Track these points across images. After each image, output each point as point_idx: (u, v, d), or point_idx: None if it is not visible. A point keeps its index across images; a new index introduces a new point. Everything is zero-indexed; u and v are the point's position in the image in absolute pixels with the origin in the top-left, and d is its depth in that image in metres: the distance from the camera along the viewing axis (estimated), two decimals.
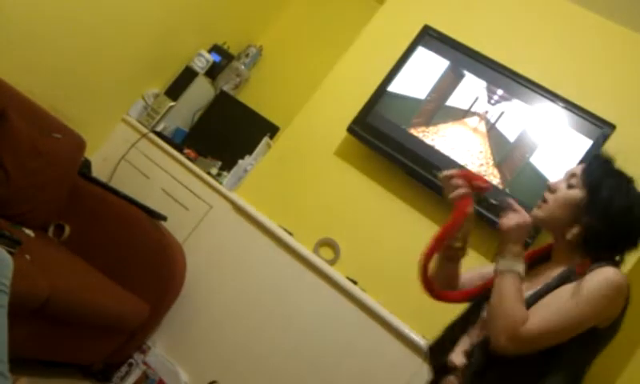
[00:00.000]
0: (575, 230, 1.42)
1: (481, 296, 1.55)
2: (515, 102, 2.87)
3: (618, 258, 1.44)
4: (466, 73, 2.98)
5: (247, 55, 3.71)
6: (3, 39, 2.51)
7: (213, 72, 3.54)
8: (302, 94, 3.35)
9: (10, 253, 1.70)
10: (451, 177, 1.52)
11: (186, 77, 3.41)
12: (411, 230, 2.88)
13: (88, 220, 2.77)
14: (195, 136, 3.42)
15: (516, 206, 1.49)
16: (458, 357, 1.49)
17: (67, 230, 2.73)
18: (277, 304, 2.80)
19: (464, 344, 1.51)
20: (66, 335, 2.26)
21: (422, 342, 2.56)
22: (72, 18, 2.74)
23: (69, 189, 2.73)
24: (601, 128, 2.69)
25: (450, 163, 2.80)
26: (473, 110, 2.93)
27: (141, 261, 2.69)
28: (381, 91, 3.04)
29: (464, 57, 3.01)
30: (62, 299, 2.03)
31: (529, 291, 1.43)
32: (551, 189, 1.50)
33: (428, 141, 2.91)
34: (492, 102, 2.91)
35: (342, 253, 2.89)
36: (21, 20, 2.54)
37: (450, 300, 1.62)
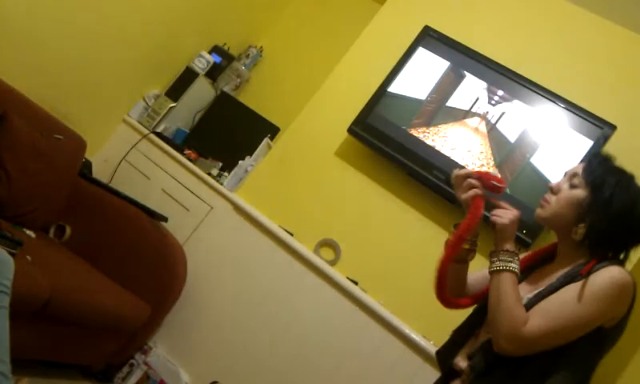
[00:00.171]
0: (580, 229, 1.41)
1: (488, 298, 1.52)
2: (516, 103, 2.87)
3: (622, 255, 1.43)
4: (467, 73, 2.98)
5: (248, 56, 3.71)
6: (4, 41, 2.52)
7: (213, 73, 3.54)
8: (302, 94, 3.36)
9: (11, 254, 1.70)
10: (466, 176, 1.49)
11: (187, 78, 3.41)
12: (412, 231, 2.89)
13: (89, 221, 2.77)
14: (196, 137, 3.43)
15: (502, 203, 1.49)
16: (462, 360, 1.48)
17: (68, 230, 2.73)
18: (277, 304, 2.80)
19: (469, 347, 1.50)
20: (68, 336, 2.26)
21: (423, 342, 2.56)
22: (72, 20, 2.75)
23: (69, 190, 2.73)
24: (601, 128, 2.69)
25: (451, 164, 2.80)
26: (473, 110, 2.93)
27: (142, 261, 2.69)
28: (381, 92, 3.04)
29: (464, 57, 3.01)
30: (63, 300, 2.03)
31: (533, 292, 1.42)
32: (553, 189, 1.49)
33: (428, 141, 2.91)
34: (492, 102, 2.92)
35: (343, 253, 2.89)
36: (21, 21, 2.54)
37: (461, 307, 1.60)
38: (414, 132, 2.94)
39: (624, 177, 1.44)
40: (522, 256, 1.54)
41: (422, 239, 2.83)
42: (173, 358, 2.79)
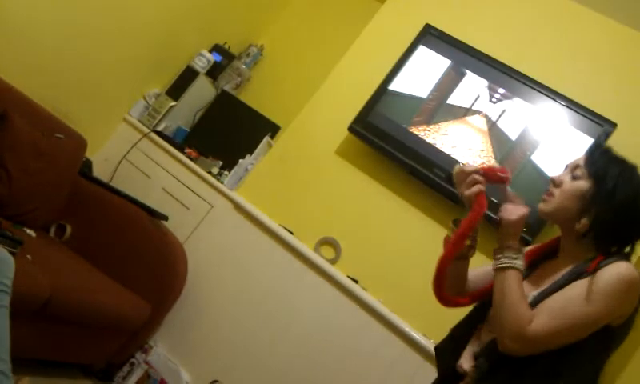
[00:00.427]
0: (585, 221, 1.37)
1: (489, 295, 1.48)
2: (516, 101, 2.87)
3: (628, 249, 1.40)
4: (467, 71, 2.98)
5: (248, 55, 3.71)
6: (4, 40, 2.52)
7: (214, 72, 3.54)
8: (302, 93, 3.35)
9: (12, 253, 1.71)
10: (469, 172, 1.45)
11: (187, 76, 3.41)
12: (412, 229, 2.88)
13: (89, 220, 2.77)
14: (196, 135, 3.43)
15: (511, 194, 1.45)
16: (466, 361, 1.44)
17: (68, 229, 2.74)
18: (278, 303, 2.80)
19: (472, 346, 1.47)
20: (68, 335, 2.27)
21: (423, 340, 2.56)
22: (73, 19, 2.75)
23: (70, 189, 2.74)
24: (602, 126, 2.69)
25: (452, 162, 2.80)
26: (474, 108, 2.92)
27: (142, 260, 2.69)
28: (382, 90, 3.04)
29: (465, 55, 3.00)
30: (63, 299, 2.04)
31: (537, 290, 1.39)
32: (555, 182, 1.46)
33: (429, 139, 2.91)
34: (493, 100, 2.91)
35: (343, 252, 2.89)
36: (22, 21, 2.54)
37: (460, 305, 1.56)
38: (414, 130, 2.94)
39: (626, 167, 1.41)
40: (524, 250, 1.50)
41: (423, 237, 2.83)
42: (173, 356, 2.79)
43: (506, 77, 2.91)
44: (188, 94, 3.39)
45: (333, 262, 2.86)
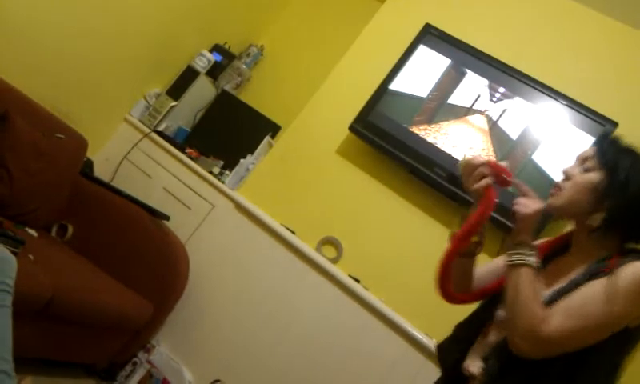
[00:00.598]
0: (599, 215, 1.31)
1: (495, 293, 1.44)
2: (517, 100, 2.87)
3: None
4: (468, 71, 2.98)
5: (248, 54, 3.71)
6: (5, 40, 2.52)
7: (214, 72, 3.54)
8: (303, 92, 3.36)
9: (14, 253, 1.71)
10: (477, 165, 1.39)
11: (188, 76, 3.41)
12: (413, 228, 2.89)
13: (91, 220, 2.77)
14: (197, 135, 3.43)
15: (525, 188, 1.39)
16: (472, 363, 1.38)
17: (70, 229, 2.74)
18: (279, 302, 2.80)
19: (478, 347, 1.41)
20: (70, 335, 2.27)
21: (425, 339, 2.57)
22: (74, 19, 2.75)
23: (71, 189, 2.74)
24: (603, 125, 2.69)
25: (452, 161, 2.81)
26: (475, 107, 2.93)
27: (144, 260, 2.69)
28: (382, 90, 3.04)
29: (465, 55, 3.01)
30: (65, 299, 2.04)
31: (551, 288, 1.32)
32: (566, 175, 1.39)
33: (430, 139, 2.91)
34: (494, 99, 2.91)
35: (345, 251, 2.89)
36: (22, 21, 2.55)
37: (465, 302, 1.51)
38: (415, 129, 2.94)
39: (638, 157, 1.35)
40: (535, 244, 1.43)
41: (424, 237, 2.84)
42: (176, 356, 2.79)
43: (507, 76, 2.92)
44: (188, 93, 3.39)
45: (334, 261, 2.86)
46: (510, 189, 1.42)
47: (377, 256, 2.87)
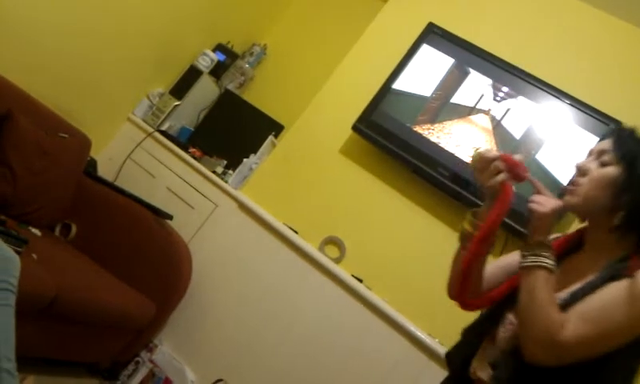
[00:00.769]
0: (619, 214, 1.24)
1: (508, 294, 1.35)
2: (521, 99, 2.86)
3: None
4: (471, 70, 2.97)
5: (251, 54, 3.71)
6: (9, 39, 2.52)
7: (217, 71, 3.54)
8: (306, 92, 3.35)
9: (17, 252, 1.71)
10: (492, 159, 1.30)
11: (191, 76, 3.42)
12: (416, 228, 2.88)
13: (94, 219, 2.78)
14: (200, 135, 3.43)
15: (540, 185, 1.31)
16: (480, 367, 1.31)
17: (74, 229, 2.74)
18: (282, 302, 2.80)
19: (487, 350, 1.34)
20: (73, 334, 2.27)
21: (428, 339, 2.56)
22: (77, 18, 2.75)
23: (75, 188, 2.74)
24: (606, 124, 2.68)
25: (456, 161, 2.80)
26: (478, 107, 2.92)
27: (147, 259, 2.69)
28: (385, 89, 3.03)
29: (469, 54, 3.00)
30: (68, 298, 2.04)
31: (564, 289, 1.25)
32: (581, 171, 1.31)
33: (433, 138, 2.90)
34: (497, 99, 2.91)
35: (348, 251, 2.89)
36: (26, 20, 2.55)
37: (478, 308, 1.42)
38: (418, 129, 2.94)
39: None
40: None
41: (427, 236, 2.83)
42: (178, 355, 2.80)
43: (510, 75, 2.91)
44: (192, 93, 3.39)
45: (337, 261, 2.86)
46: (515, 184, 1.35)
47: (380, 256, 2.86)
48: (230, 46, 3.67)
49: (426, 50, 3.06)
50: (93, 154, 2.94)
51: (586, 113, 2.75)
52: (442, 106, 2.96)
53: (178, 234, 2.85)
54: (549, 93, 2.83)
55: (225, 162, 3.19)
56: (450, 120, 2.93)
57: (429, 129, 2.93)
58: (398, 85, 3.03)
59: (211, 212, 3.02)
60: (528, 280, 1.22)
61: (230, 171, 3.15)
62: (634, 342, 1.14)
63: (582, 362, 1.14)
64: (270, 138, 3.30)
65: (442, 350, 2.46)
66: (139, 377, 2.71)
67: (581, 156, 1.37)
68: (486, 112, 2.90)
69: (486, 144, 2.82)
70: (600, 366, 1.16)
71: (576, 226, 1.46)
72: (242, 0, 3.65)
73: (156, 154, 3.18)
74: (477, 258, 1.32)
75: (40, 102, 2.63)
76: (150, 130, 3.23)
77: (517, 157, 1.32)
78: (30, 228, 2.40)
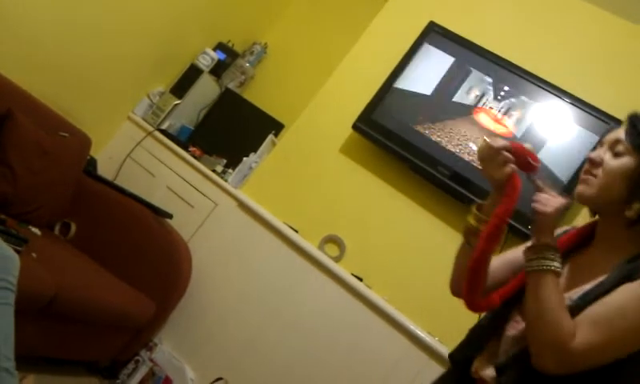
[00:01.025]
0: (636, 207, 1.16)
1: (516, 291, 1.28)
2: (521, 99, 2.86)
3: None
4: (472, 69, 2.97)
5: (252, 53, 3.71)
6: (8, 39, 2.52)
7: (218, 70, 3.54)
8: (306, 91, 3.35)
9: (17, 251, 1.71)
10: (500, 149, 1.23)
11: (191, 75, 3.41)
12: (417, 227, 2.88)
13: (94, 218, 2.78)
14: (200, 134, 3.43)
15: (542, 184, 1.23)
16: (486, 369, 1.25)
17: (73, 228, 2.74)
18: (282, 301, 2.80)
19: (491, 350, 1.28)
20: (73, 333, 2.27)
21: (428, 338, 2.56)
22: (76, 17, 2.75)
23: (75, 187, 2.74)
24: (607, 123, 2.67)
25: (456, 160, 2.80)
26: (479, 106, 2.92)
27: (147, 258, 2.69)
28: (386, 88, 3.03)
29: (470, 53, 3.00)
30: (68, 297, 2.04)
31: (573, 288, 1.19)
32: (594, 161, 1.23)
33: (434, 138, 2.90)
34: (498, 98, 2.90)
35: (348, 249, 2.89)
36: (26, 19, 2.55)
37: (487, 309, 1.33)
38: (419, 128, 2.93)
39: None
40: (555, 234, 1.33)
41: (427, 235, 2.83)
42: (178, 354, 2.80)
43: (511, 74, 2.90)
44: (192, 92, 3.39)
45: (337, 259, 2.86)
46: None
47: (380, 255, 2.86)
48: (230, 44, 3.66)
49: (426, 48, 3.06)
50: (92, 152, 2.94)
51: (586, 112, 2.74)
52: (442, 105, 2.95)
53: (178, 232, 2.85)
54: (549, 92, 2.83)
55: (225, 161, 3.19)
56: (451, 119, 2.93)
57: (429, 128, 2.93)
58: (398, 84, 3.02)
59: (211, 211, 3.02)
60: (535, 286, 1.16)
61: (230, 170, 3.14)
62: None
63: (593, 368, 1.09)
64: (270, 136, 3.30)
65: (442, 349, 2.46)
66: (139, 376, 2.71)
67: (578, 159, 1.31)
68: (487, 111, 2.89)
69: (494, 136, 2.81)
70: (612, 372, 1.10)
71: (583, 217, 1.40)
72: None
73: (156, 153, 3.18)
74: (485, 256, 1.24)
75: (40, 101, 2.63)
76: (150, 128, 3.23)
77: (527, 146, 1.25)
78: (30, 227, 2.39)
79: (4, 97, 2.39)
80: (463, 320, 1.48)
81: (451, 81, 2.98)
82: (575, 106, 2.77)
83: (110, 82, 3.13)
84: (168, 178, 3.13)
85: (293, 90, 3.65)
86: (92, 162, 3.03)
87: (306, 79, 3.59)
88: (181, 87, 3.38)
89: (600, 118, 2.71)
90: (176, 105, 3.33)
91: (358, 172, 3.03)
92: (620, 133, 1.24)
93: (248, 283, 2.87)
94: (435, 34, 3.07)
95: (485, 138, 1.27)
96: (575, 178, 2.09)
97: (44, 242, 2.37)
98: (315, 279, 2.79)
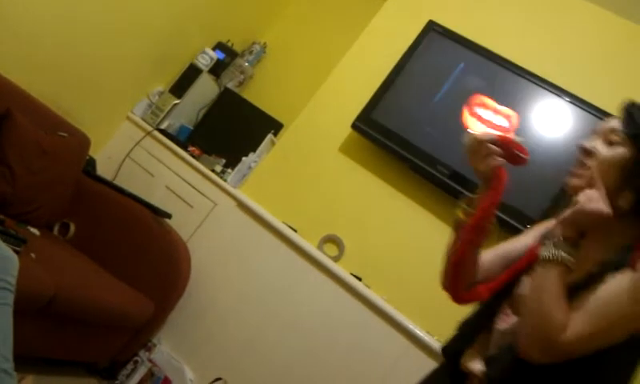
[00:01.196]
0: (628, 195, 1.14)
1: (507, 285, 1.28)
2: (521, 97, 2.86)
3: None
4: (472, 68, 2.97)
5: (251, 52, 3.70)
6: (8, 38, 2.52)
7: (217, 69, 3.54)
8: (305, 90, 3.35)
9: (16, 251, 1.70)
10: (488, 142, 1.22)
11: (191, 74, 3.41)
12: (416, 226, 2.88)
13: (93, 218, 2.78)
14: (199, 133, 3.43)
15: (599, 181, 1.15)
16: (475, 363, 1.25)
17: (72, 228, 2.74)
18: (281, 301, 2.80)
19: (481, 343, 1.28)
20: (72, 333, 2.27)
21: (427, 337, 2.56)
22: (76, 17, 2.75)
23: (74, 187, 2.74)
24: None
25: (456, 159, 2.79)
26: (478, 104, 2.90)
27: (146, 258, 2.69)
28: (385, 87, 3.03)
29: (469, 52, 2.99)
30: (67, 297, 2.03)
31: (567, 281, 1.17)
32: (587, 151, 1.21)
33: (433, 136, 2.89)
34: (498, 96, 2.89)
35: (347, 249, 2.89)
36: (25, 19, 2.54)
37: (473, 301, 1.34)
38: (418, 127, 2.93)
39: None
40: (541, 227, 1.34)
41: (426, 234, 2.83)
42: (177, 354, 2.79)
43: (511, 73, 2.90)
44: (191, 91, 3.39)
45: (336, 259, 2.86)
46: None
47: (379, 254, 2.86)
48: (229, 44, 3.66)
49: (425, 47, 3.05)
50: (91, 152, 2.94)
51: (586, 110, 2.74)
52: (441, 104, 2.95)
53: (177, 232, 2.84)
54: (549, 90, 2.83)
55: (224, 161, 3.19)
56: (450, 117, 2.92)
57: (429, 127, 2.93)
58: (398, 82, 3.02)
59: (210, 211, 3.02)
60: (542, 273, 1.13)
61: (229, 170, 3.14)
62: (633, 339, 1.09)
63: (577, 364, 1.09)
64: (270, 136, 3.29)
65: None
66: (138, 376, 2.71)
67: (585, 136, 1.25)
68: (487, 109, 2.88)
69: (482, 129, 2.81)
70: (598, 361, 1.11)
71: None
72: None
73: (155, 153, 3.18)
74: (469, 248, 1.24)
75: (39, 100, 2.63)
76: (149, 128, 3.23)
77: (516, 138, 1.23)
78: (29, 227, 2.39)
79: (3, 96, 2.39)
80: (463, 316, 1.46)
81: (450, 79, 2.98)
82: (575, 104, 2.77)
83: (109, 82, 3.13)
84: (167, 178, 3.13)
85: (292, 89, 3.64)
86: (91, 162, 3.03)
87: (305, 79, 3.59)
88: (180, 87, 3.38)
89: (600, 116, 2.70)
90: (175, 104, 3.33)
91: (358, 171, 3.03)
92: (615, 122, 1.21)
93: (247, 283, 2.87)
94: (434, 33, 3.07)
95: (470, 130, 1.26)
96: None
97: (43, 242, 2.37)
98: (314, 279, 2.79)
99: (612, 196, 1.15)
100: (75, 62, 2.87)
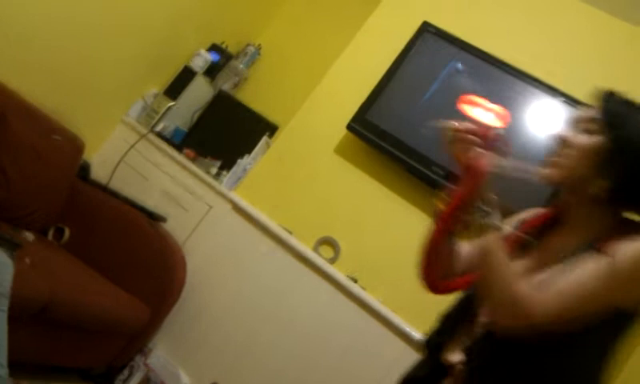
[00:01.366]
0: (601, 183, 1.15)
1: None
2: (516, 97, 2.86)
3: None
4: (466, 68, 2.97)
5: (246, 54, 3.69)
6: (1, 41, 2.50)
7: (212, 71, 3.52)
8: (300, 92, 3.35)
9: (10, 256, 1.70)
10: (466, 132, 1.23)
11: (185, 76, 3.40)
12: (411, 228, 2.86)
13: (87, 223, 2.77)
14: (194, 136, 3.41)
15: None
16: (454, 354, 1.27)
17: (67, 232, 2.73)
18: (277, 303, 2.80)
19: (463, 337, 1.28)
20: (67, 339, 2.26)
21: (424, 339, 2.56)
22: (70, 19, 2.73)
23: (68, 191, 2.73)
24: None
25: (451, 160, 2.79)
26: (473, 105, 2.91)
27: (141, 263, 2.68)
28: (380, 88, 3.03)
29: (463, 52, 3.00)
30: (61, 303, 2.03)
31: (543, 270, 1.17)
32: (564, 141, 1.21)
33: (428, 137, 2.89)
34: (492, 97, 2.90)
35: (342, 251, 2.89)
36: (19, 21, 2.53)
37: (452, 290, 1.35)
38: (413, 128, 2.93)
39: None
40: (523, 217, 1.35)
41: (422, 236, 2.82)
42: (173, 359, 2.78)
43: (505, 74, 2.91)
44: (186, 93, 3.37)
45: (332, 261, 2.85)
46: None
47: (374, 256, 2.86)
48: (224, 46, 3.65)
49: (420, 48, 3.05)
50: (86, 156, 2.92)
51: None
52: (436, 105, 2.95)
53: (172, 236, 2.84)
54: (544, 91, 2.83)
55: (219, 163, 3.18)
56: (445, 118, 2.92)
57: (424, 127, 2.92)
58: (392, 84, 3.02)
59: (205, 214, 3.01)
60: (482, 245, 1.17)
61: (224, 172, 3.13)
62: (607, 321, 1.10)
63: (553, 349, 1.10)
64: (265, 138, 3.29)
65: None
66: (134, 381, 2.70)
67: (562, 126, 1.26)
68: (481, 110, 2.89)
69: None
70: (573, 344, 1.12)
71: None
72: (237, 0, 3.64)
73: (149, 157, 3.17)
74: (443, 236, 1.26)
75: (32, 103, 2.61)
76: (144, 131, 3.21)
77: (496, 129, 1.24)
78: (23, 232, 2.38)
79: None
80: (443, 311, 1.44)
81: (445, 80, 2.98)
82: (570, 104, 2.77)
83: (103, 84, 3.11)
84: (162, 182, 3.12)
85: (287, 91, 3.64)
86: (85, 166, 3.02)
87: (299, 80, 3.59)
88: (175, 89, 3.37)
89: None
90: (170, 106, 3.32)
91: (353, 173, 3.02)
92: (593, 112, 1.21)
93: (243, 286, 2.87)
94: (429, 34, 3.07)
95: (448, 120, 1.29)
96: None
97: (37, 246, 2.36)
98: (310, 281, 2.78)
99: (587, 184, 1.16)
100: (69, 64, 2.86)
